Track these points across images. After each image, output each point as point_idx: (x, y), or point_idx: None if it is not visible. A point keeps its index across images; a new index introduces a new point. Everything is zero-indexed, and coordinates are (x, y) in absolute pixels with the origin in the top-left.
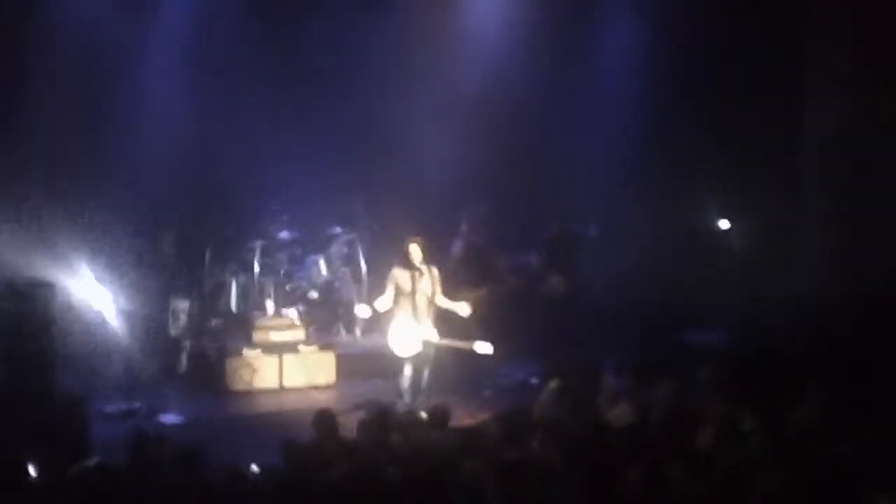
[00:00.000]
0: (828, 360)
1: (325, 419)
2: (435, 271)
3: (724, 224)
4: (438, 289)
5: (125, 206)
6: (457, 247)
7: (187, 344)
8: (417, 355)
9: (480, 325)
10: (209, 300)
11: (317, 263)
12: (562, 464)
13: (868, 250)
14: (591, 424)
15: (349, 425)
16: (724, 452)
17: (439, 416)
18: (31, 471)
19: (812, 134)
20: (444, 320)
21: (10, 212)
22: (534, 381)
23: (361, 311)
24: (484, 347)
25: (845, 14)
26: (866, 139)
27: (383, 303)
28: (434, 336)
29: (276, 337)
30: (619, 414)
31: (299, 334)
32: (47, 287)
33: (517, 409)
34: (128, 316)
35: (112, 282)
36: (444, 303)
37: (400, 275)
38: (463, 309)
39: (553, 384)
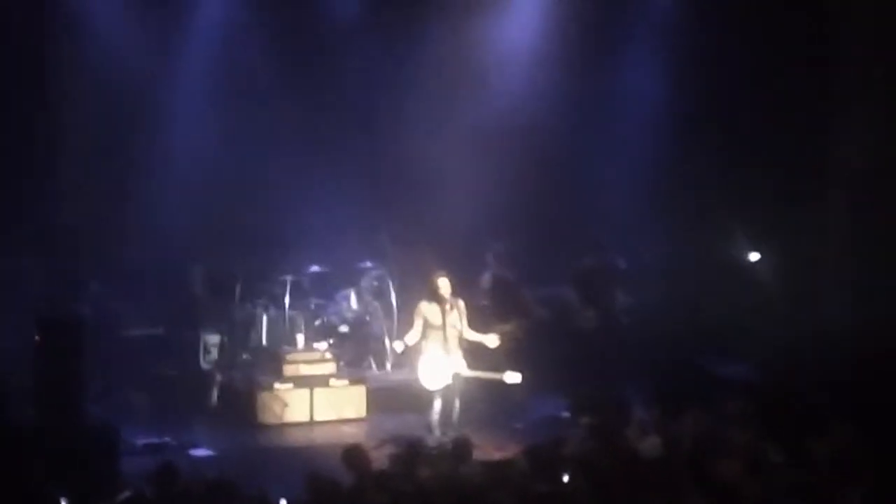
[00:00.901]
0: (855, 394)
1: (356, 455)
2: (462, 304)
3: (753, 256)
4: (465, 322)
5: (155, 241)
6: (485, 280)
7: (218, 377)
8: (447, 388)
9: (509, 358)
10: (240, 334)
11: (347, 297)
12: (590, 497)
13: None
14: (620, 458)
15: (379, 459)
16: (751, 485)
17: (461, 449)
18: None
19: (839, 166)
20: (473, 353)
21: (40, 246)
22: (563, 414)
23: (397, 346)
24: (513, 377)
25: (873, 46)
26: (893, 171)
27: (412, 337)
28: (463, 368)
29: (306, 370)
30: (649, 447)
31: (330, 368)
32: (77, 320)
33: (546, 442)
34: (159, 350)
35: (143, 316)
36: (472, 335)
37: (428, 309)
38: (491, 341)
39: (584, 420)
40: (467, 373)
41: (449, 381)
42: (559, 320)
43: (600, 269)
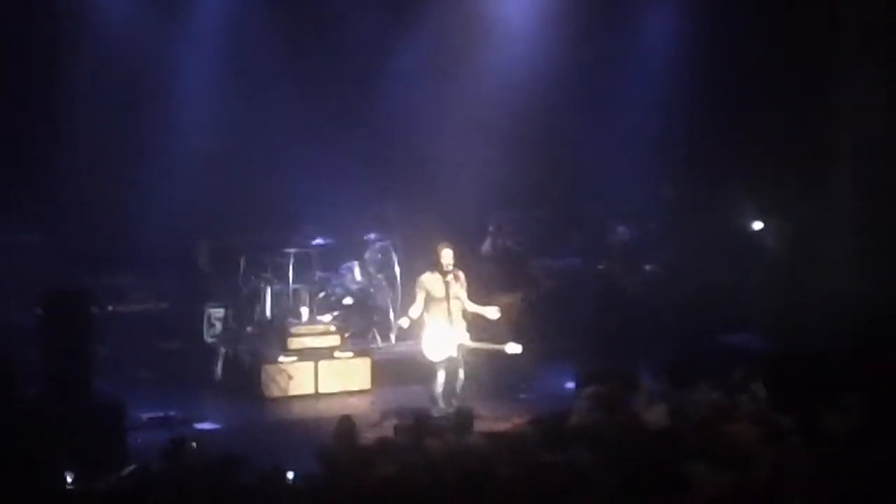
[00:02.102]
0: (863, 362)
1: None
2: (462, 276)
3: (757, 225)
4: (465, 293)
5: (160, 216)
6: (486, 249)
7: (222, 351)
8: (451, 360)
9: (514, 329)
10: (244, 307)
11: (351, 270)
12: (597, 468)
13: None
14: (627, 428)
15: (385, 431)
16: (760, 454)
17: (464, 420)
18: (68, 478)
19: (844, 135)
20: (477, 324)
21: (48, 223)
22: (569, 384)
23: (403, 323)
24: (514, 348)
25: (879, 19)
26: None
27: (415, 310)
28: (466, 339)
29: (311, 343)
30: (656, 416)
31: (334, 340)
32: (84, 297)
33: (553, 413)
34: (163, 324)
35: (147, 291)
36: (473, 307)
37: (430, 280)
38: (492, 313)
39: (589, 389)
40: (470, 344)
41: (453, 352)
42: (566, 291)
43: (634, 239)
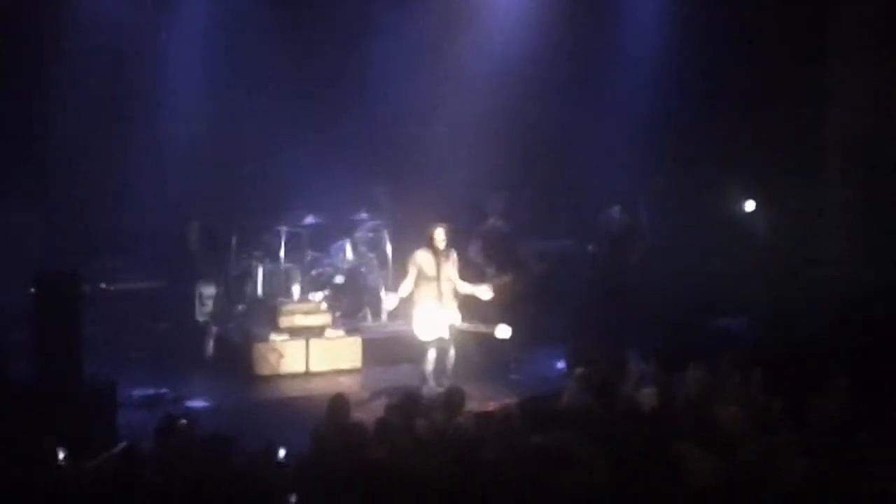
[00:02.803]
0: (852, 348)
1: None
2: (455, 255)
3: (749, 205)
4: (457, 273)
5: (152, 196)
6: (478, 233)
7: (214, 329)
8: (441, 339)
9: (505, 311)
10: (235, 286)
11: (342, 249)
12: (586, 450)
13: (890, 237)
14: (617, 410)
15: (375, 410)
16: (748, 438)
17: (454, 400)
18: (60, 456)
19: (835, 122)
20: (468, 306)
21: (37, 203)
22: (559, 366)
23: (389, 301)
24: (503, 332)
25: (871, 7)
26: (888, 128)
27: (405, 287)
28: (457, 320)
29: (302, 322)
30: (646, 400)
31: (325, 319)
32: (74, 276)
33: (541, 394)
34: (154, 303)
35: (138, 269)
36: (464, 287)
37: (423, 259)
38: (484, 293)
39: (579, 370)
40: (459, 325)
41: (443, 331)
42: (556, 273)
43: (622, 222)
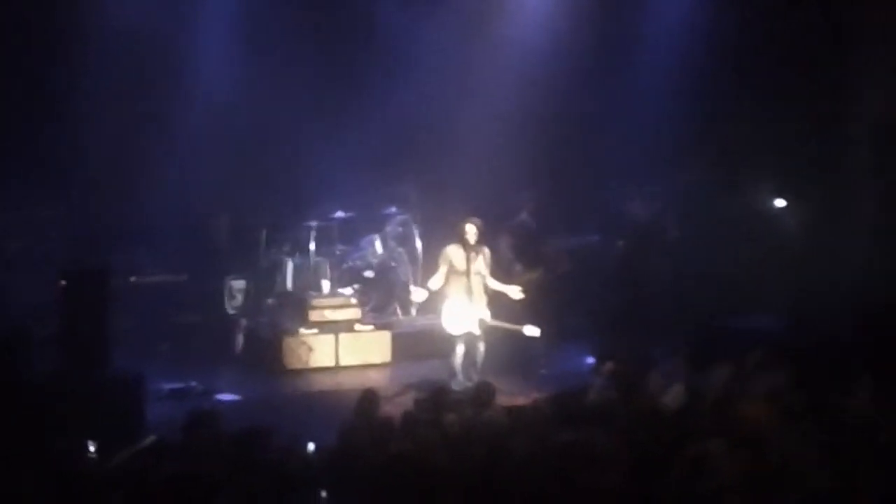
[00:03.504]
0: (879, 347)
1: (368, 400)
2: (487, 251)
3: (779, 203)
4: (488, 270)
5: (180, 188)
6: (507, 228)
7: (243, 323)
8: (471, 334)
9: (533, 307)
10: (265, 280)
11: (372, 243)
12: (611, 446)
13: None
14: (643, 408)
15: (404, 405)
16: (774, 436)
17: (484, 394)
18: (90, 449)
19: (864, 119)
20: (497, 301)
21: (68, 198)
22: (588, 361)
23: (418, 295)
24: (532, 331)
25: None
26: None
27: (436, 282)
28: (486, 316)
29: (331, 316)
30: (672, 397)
31: (355, 313)
32: (102, 269)
33: (570, 390)
34: (184, 297)
35: (167, 263)
36: (495, 284)
37: (454, 254)
38: (514, 292)
39: (606, 367)
40: (488, 321)
41: (473, 326)
42: (586, 269)
43: (645, 220)
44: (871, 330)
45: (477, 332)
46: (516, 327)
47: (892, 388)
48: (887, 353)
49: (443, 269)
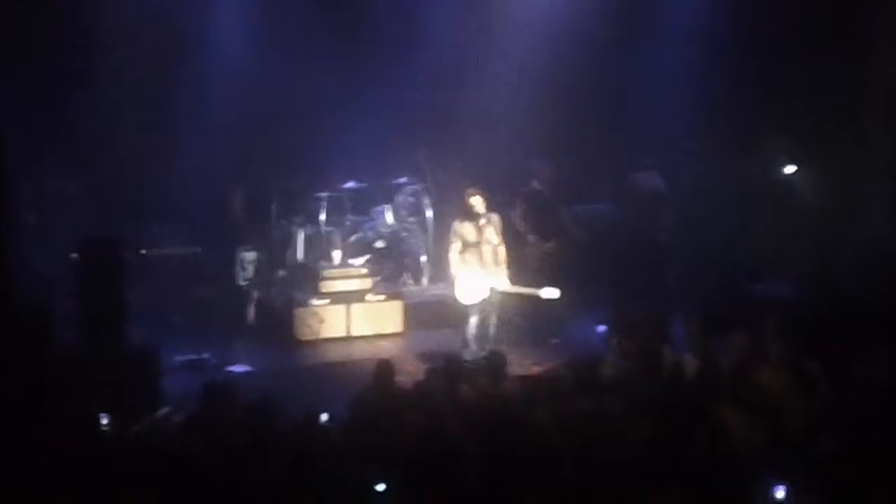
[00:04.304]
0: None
1: (384, 370)
2: (496, 219)
3: (790, 168)
4: (500, 238)
5: (194, 162)
6: (520, 197)
7: (255, 295)
8: (484, 303)
9: (547, 275)
10: (276, 251)
11: (383, 213)
12: (630, 416)
13: None
14: (660, 376)
15: (417, 374)
16: (790, 403)
17: (496, 364)
18: (104, 421)
19: (877, 82)
20: (512, 269)
21: (80, 169)
22: (600, 329)
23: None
24: (550, 293)
25: None
26: None
27: (454, 264)
28: (502, 283)
29: (343, 286)
30: (687, 366)
31: (366, 284)
32: (116, 242)
33: (587, 358)
34: (196, 269)
35: (180, 235)
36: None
37: (463, 228)
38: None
39: (621, 337)
40: (505, 287)
41: (486, 295)
42: (599, 238)
43: (654, 188)
44: (890, 294)
45: (491, 301)
46: (534, 291)
47: None
48: None
49: (456, 248)
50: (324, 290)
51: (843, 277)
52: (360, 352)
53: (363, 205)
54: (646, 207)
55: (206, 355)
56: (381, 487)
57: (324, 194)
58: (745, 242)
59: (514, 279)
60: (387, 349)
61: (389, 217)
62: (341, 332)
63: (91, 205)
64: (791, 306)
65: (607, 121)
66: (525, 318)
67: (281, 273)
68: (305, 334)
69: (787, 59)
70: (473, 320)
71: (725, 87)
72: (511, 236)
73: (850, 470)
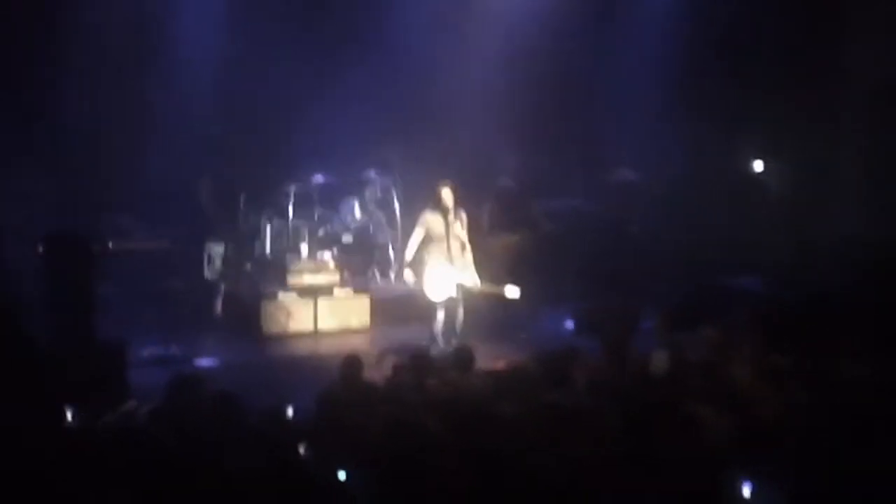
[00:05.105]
0: (866, 306)
1: (351, 365)
2: (464, 215)
3: (758, 165)
4: (466, 233)
5: (161, 154)
6: (490, 194)
7: (222, 288)
8: (451, 299)
9: (514, 270)
10: (244, 244)
11: (351, 207)
12: (599, 409)
13: None
14: (628, 370)
15: (384, 369)
16: (761, 397)
17: (464, 358)
18: (69, 416)
19: (851, 76)
20: (477, 264)
21: (48, 161)
22: (568, 324)
23: (408, 276)
24: (513, 292)
25: None
26: None
27: (410, 249)
28: (467, 279)
29: (310, 280)
30: (657, 360)
31: (334, 278)
32: (83, 236)
33: (556, 351)
34: (163, 262)
35: (147, 228)
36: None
37: (432, 219)
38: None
39: (589, 331)
40: (468, 285)
41: (453, 292)
42: (569, 232)
43: (625, 182)
44: (861, 288)
45: (457, 296)
46: (497, 289)
47: (883, 346)
48: (877, 312)
49: (417, 235)
50: (291, 284)
51: (816, 272)
52: (326, 346)
53: (331, 198)
54: (616, 201)
55: (173, 349)
56: (344, 476)
57: (292, 187)
58: (717, 236)
59: (479, 273)
60: (353, 344)
61: (357, 211)
62: (308, 327)
63: (58, 197)
64: (763, 300)
65: (579, 116)
66: (492, 314)
67: (248, 266)
68: (272, 328)
69: (764, 54)
70: (440, 315)
71: (701, 82)
72: (477, 232)
73: (818, 464)
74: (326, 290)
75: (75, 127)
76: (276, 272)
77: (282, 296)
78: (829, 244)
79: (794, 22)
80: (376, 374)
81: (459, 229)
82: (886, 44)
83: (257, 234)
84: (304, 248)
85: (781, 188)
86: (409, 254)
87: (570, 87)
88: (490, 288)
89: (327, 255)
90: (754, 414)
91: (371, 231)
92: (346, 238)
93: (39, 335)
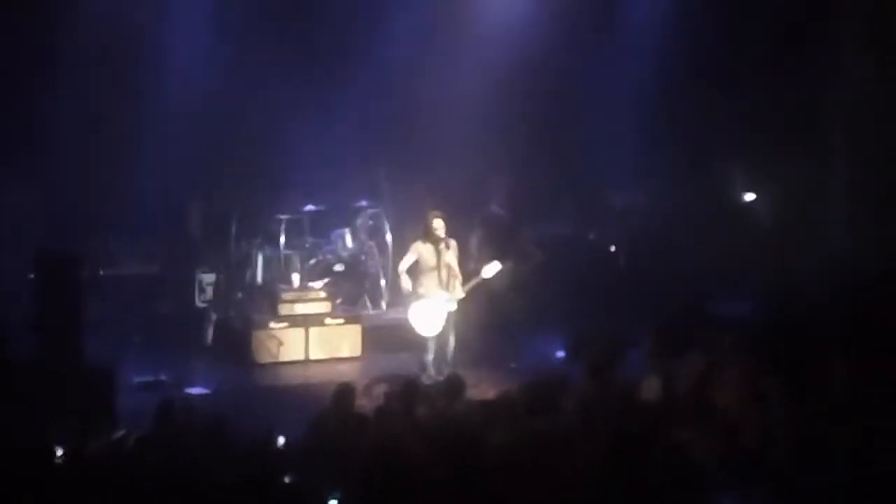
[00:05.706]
0: (853, 333)
1: (344, 393)
2: (454, 244)
3: (749, 196)
4: (457, 262)
5: (151, 180)
6: (479, 221)
7: (213, 316)
8: (441, 330)
9: (505, 297)
10: (235, 273)
11: (342, 236)
12: (586, 435)
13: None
14: (617, 396)
15: (375, 398)
16: (749, 422)
17: (454, 388)
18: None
19: (836, 100)
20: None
21: (39, 182)
22: (560, 353)
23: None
24: (491, 269)
25: None
26: (893, 106)
27: (405, 262)
28: (458, 294)
29: (301, 309)
30: (646, 387)
31: (325, 307)
32: (75, 259)
33: (542, 379)
34: (154, 288)
35: (139, 255)
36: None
37: (423, 248)
38: (487, 271)
39: (580, 358)
40: (460, 292)
41: (442, 326)
42: (557, 260)
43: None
44: (848, 315)
45: (447, 325)
46: (478, 277)
47: (869, 369)
48: (864, 339)
49: (409, 258)
50: (282, 313)
51: (802, 294)
52: (317, 375)
53: (322, 227)
54: (605, 227)
55: (163, 376)
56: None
57: (283, 216)
58: (703, 262)
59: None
60: (345, 373)
61: (349, 240)
62: (300, 355)
63: (49, 218)
64: (749, 324)
65: (567, 142)
66: (483, 343)
67: (239, 295)
68: (263, 357)
69: (747, 78)
70: (431, 345)
71: (684, 107)
72: (466, 259)
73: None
74: (318, 320)
75: (68, 148)
76: (267, 301)
77: (273, 324)
78: (816, 266)
79: (779, 49)
80: (367, 402)
81: (451, 258)
82: (865, 70)
83: (248, 262)
84: (296, 277)
85: (770, 213)
86: (403, 266)
87: (558, 114)
88: (473, 281)
89: (318, 284)
90: (741, 438)
91: (362, 260)
92: (338, 267)
93: (27, 358)
